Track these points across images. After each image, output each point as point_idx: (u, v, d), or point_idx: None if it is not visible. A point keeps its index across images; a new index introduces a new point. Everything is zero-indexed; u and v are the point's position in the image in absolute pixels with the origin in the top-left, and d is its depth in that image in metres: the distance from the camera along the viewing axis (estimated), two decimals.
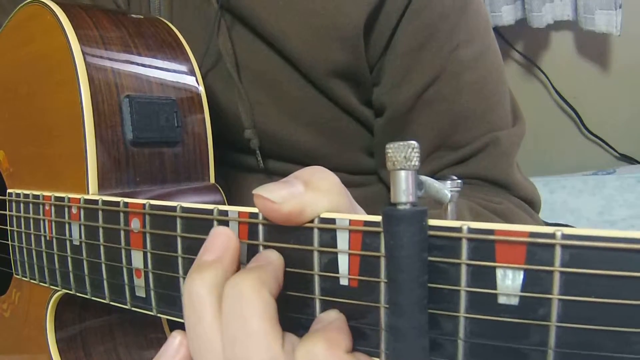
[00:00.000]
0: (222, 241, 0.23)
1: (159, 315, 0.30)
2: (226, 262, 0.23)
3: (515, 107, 0.53)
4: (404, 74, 0.48)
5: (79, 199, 0.34)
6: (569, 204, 1.11)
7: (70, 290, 0.36)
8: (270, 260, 0.22)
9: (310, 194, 0.22)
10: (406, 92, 0.48)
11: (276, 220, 0.22)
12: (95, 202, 0.32)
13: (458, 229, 0.18)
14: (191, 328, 0.23)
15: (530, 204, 0.51)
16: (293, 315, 0.23)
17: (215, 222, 0.25)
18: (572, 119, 1.31)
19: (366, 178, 0.55)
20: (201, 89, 0.41)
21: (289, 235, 0.22)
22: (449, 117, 0.48)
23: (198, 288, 0.22)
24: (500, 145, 0.49)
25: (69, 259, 0.35)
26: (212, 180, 0.42)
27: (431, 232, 0.19)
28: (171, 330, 0.42)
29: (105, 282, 0.32)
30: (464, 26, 0.47)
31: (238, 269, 0.23)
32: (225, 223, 0.25)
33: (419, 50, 0.47)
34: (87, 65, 0.36)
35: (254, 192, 0.22)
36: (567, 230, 0.17)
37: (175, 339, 0.24)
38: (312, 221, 0.22)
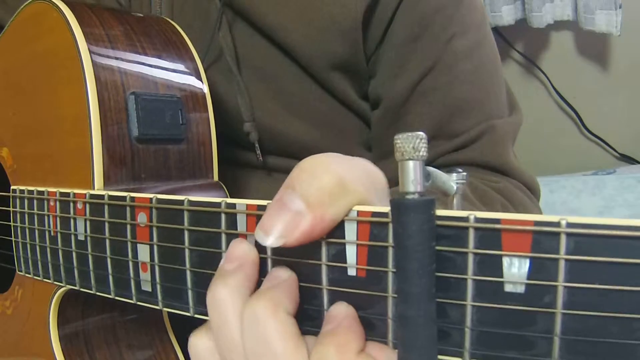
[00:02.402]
0: (242, 250, 0.24)
1: (164, 309, 0.30)
2: (247, 268, 0.23)
3: (512, 98, 0.53)
4: (399, 65, 0.48)
5: (85, 194, 0.34)
6: (569, 204, 1.12)
7: (75, 285, 0.36)
8: (282, 278, 0.23)
9: (313, 212, 0.20)
10: (402, 83, 0.48)
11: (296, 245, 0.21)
12: (102, 197, 0.32)
13: (465, 219, 0.19)
14: (217, 330, 0.23)
15: (530, 190, 0.52)
16: (301, 306, 0.23)
17: (223, 215, 0.25)
18: (572, 119, 1.31)
19: None
20: (205, 88, 0.42)
21: None
22: (445, 107, 0.49)
23: (221, 293, 0.23)
24: (496, 132, 0.49)
25: (74, 254, 0.35)
26: (216, 178, 0.42)
27: (438, 222, 0.19)
28: (174, 329, 0.42)
29: (110, 277, 0.32)
30: (459, 17, 0.48)
31: (258, 279, 0.24)
32: (233, 216, 0.25)
33: (415, 41, 0.47)
34: (94, 62, 0.36)
35: (255, 235, 0.21)
36: (572, 219, 0.17)
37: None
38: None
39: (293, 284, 0.23)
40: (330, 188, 0.21)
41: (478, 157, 0.49)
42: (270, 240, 0.21)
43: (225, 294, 0.23)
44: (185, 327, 0.29)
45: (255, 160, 0.52)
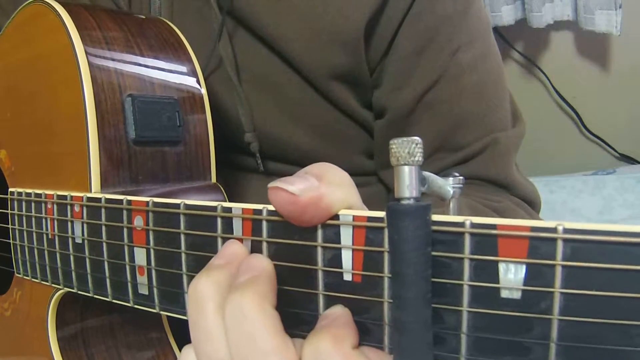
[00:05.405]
0: (233, 250, 0.24)
1: (161, 312, 0.30)
2: (234, 267, 0.23)
3: (515, 109, 0.53)
4: (405, 77, 0.48)
5: (82, 197, 0.34)
6: (569, 204, 1.12)
7: (72, 288, 0.36)
8: (262, 268, 0.22)
9: (325, 186, 0.21)
10: (407, 95, 0.48)
11: (293, 214, 0.21)
12: (98, 200, 0.32)
13: (461, 224, 0.19)
14: (193, 322, 0.23)
15: (531, 204, 0.52)
16: (296, 311, 0.23)
17: (219, 219, 0.25)
18: (572, 119, 1.31)
19: (366, 179, 0.55)
20: (203, 89, 0.42)
21: (292, 231, 0.23)
22: (449, 120, 0.49)
23: (203, 285, 0.23)
24: (500, 146, 0.49)
25: (71, 257, 0.35)
26: (214, 179, 0.42)
27: (434, 227, 0.19)
28: (172, 330, 0.42)
29: (107, 280, 0.32)
30: (464, 29, 0.48)
31: None
32: (229, 220, 0.25)
33: (420, 53, 0.47)
34: (90, 64, 0.36)
35: (270, 185, 0.22)
36: (569, 225, 0.17)
37: None
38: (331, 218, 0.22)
39: (273, 275, 0.22)
40: (341, 176, 0.22)
41: (481, 171, 0.49)
42: (285, 186, 0.21)
43: (205, 286, 0.22)
44: (185, 329, 0.29)
45: (255, 165, 0.52)
